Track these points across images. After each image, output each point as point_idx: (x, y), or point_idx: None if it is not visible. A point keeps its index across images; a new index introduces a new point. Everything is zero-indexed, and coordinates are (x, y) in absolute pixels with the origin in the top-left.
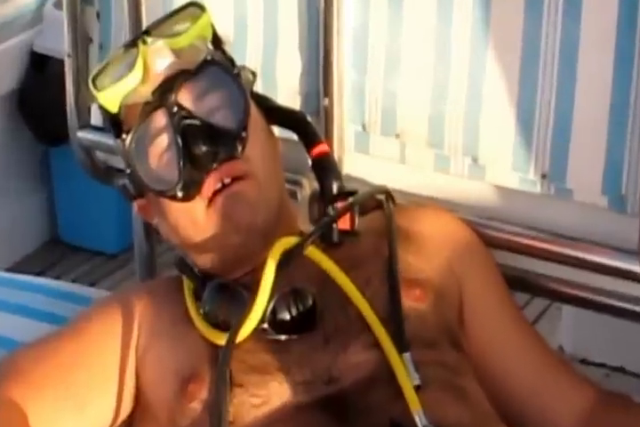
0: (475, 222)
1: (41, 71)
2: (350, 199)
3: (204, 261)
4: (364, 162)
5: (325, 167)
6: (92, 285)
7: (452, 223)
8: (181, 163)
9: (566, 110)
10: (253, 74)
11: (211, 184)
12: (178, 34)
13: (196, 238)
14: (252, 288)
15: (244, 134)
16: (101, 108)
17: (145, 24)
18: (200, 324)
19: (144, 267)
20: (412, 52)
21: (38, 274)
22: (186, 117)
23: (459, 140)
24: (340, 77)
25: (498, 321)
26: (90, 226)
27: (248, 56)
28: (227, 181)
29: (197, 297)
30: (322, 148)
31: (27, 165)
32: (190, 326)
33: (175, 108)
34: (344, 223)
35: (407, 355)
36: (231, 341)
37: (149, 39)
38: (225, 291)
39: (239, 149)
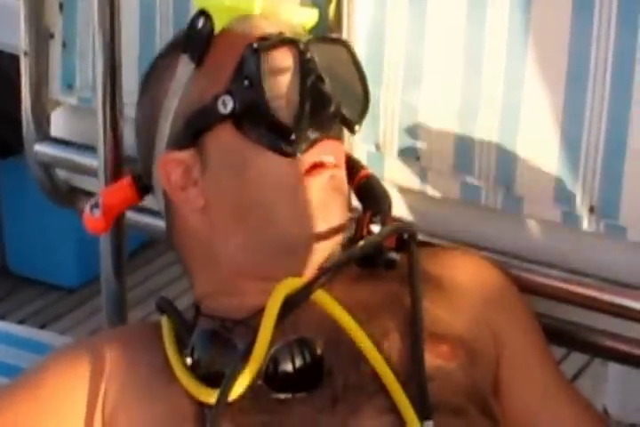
0: (509, 264)
1: None
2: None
3: (230, 256)
4: None
5: (374, 189)
6: (44, 325)
7: (486, 271)
8: (307, 108)
9: (619, 135)
10: None
11: (321, 149)
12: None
13: (270, 205)
14: (250, 336)
15: (357, 128)
16: (196, 18)
17: (117, 17)
18: (184, 377)
19: (112, 304)
20: (437, 59)
21: None
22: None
23: (491, 165)
24: None
25: (539, 386)
26: (44, 255)
27: None
28: (329, 159)
29: (180, 346)
30: (366, 171)
31: None
32: (171, 380)
33: (309, 55)
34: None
35: (429, 423)
36: (223, 399)
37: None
38: (217, 337)
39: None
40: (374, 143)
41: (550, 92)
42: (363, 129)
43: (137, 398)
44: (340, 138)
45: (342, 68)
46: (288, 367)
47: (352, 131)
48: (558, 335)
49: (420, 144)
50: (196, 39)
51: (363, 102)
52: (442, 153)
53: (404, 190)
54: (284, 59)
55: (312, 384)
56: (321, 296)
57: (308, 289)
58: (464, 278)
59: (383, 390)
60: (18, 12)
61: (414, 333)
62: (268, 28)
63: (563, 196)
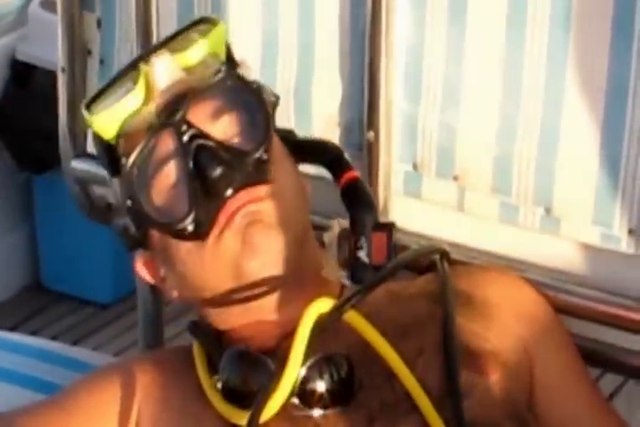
0: (547, 285)
1: (24, 84)
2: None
3: (224, 319)
4: (414, 208)
5: (357, 194)
6: (77, 341)
7: (523, 291)
8: (192, 190)
9: None
10: (275, 97)
11: (226, 214)
12: (185, 48)
13: (209, 286)
14: (281, 356)
15: (265, 156)
16: (96, 136)
17: (155, 34)
18: (216, 400)
19: (147, 320)
20: (475, 79)
21: (14, 326)
22: (197, 137)
23: (529, 186)
24: (388, 107)
25: (574, 405)
26: (78, 270)
27: (279, 80)
28: (238, 204)
29: (212, 369)
30: (352, 174)
31: (5, 196)
32: (204, 404)
33: (184, 127)
34: (380, 258)
35: None
36: (255, 422)
37: (153, 56)
38: (246, 359)
39: (260, 173)
40: (412, 163)
41: (589, 113)
42: (400, 148)
43: (170, 423)
44: (253, 179)
45: (234, 104)
46: (319, 384)
47: (263, 163)
48: (592, 356)
49: (458, 164)
50: (103, 153)
51: (264, 124)
52: (480, 173)
53: (441, 210)
54: (162, 146)
55: (344, 400)
56: (352, 316)
57: (339, 310)
58: (498, 296)
59: (418, 408)
60: (56, 28)
61: (448, 349)
62: (153, 113)
63: (601, 217)
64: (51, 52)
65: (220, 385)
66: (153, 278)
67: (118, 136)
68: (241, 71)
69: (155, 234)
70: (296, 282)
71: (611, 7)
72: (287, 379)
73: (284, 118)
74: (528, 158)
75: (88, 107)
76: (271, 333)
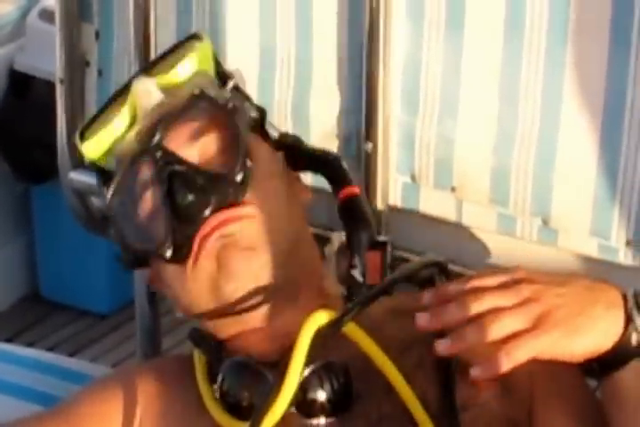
0: None
1: (22, 94)
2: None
3: (220, 329)
4: (412, 220)
5: (354, 212)
6: (75, 352)
7: None
8: (167, 216)
9: None
10: (260, 111)
11: (201, 237)
12: (168, 69)
13: (195, 306)
14: (280, 368)
15: (238, 178)
16: (91, 163)
17: (153, 46)
18: (215, 411)
19: (145, 330)
20: (473, 91)
21: (12, 336)
22: (171, 163)
23: (527, 197)
24: (386, 118)
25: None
26: (76, 281)
27: (277, 91)
28: (210, 227)
29: (212, 378)
30: (352, 189)
31: (3, 207)
32: (204, 414)
33: (159, 154)
34: (374, 278)
35: None
36: None
37: (139, 79)
38: (246, 370)
39: (234, 195)
40: (410, 174)
41: (587, 124)
42: (398, 160)
43: None
44: (226, 202)
45: (210, 126)
46: (318, 394)
47: (237, 186)
48: (590, 367)
49: (455, 175)
50: (97, 177)
51: (238, 147)
52: (478, 185)
53: (439, 222)
54: (142, 173)
55: (343, 408)
56: (351, 329)
57: (338, 322)
58: None
59: (415, 422)
60: (54, 39)
61: (445, 363)
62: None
63: (599, 228)
64: (49, 62)
65: (218, 394)
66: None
67: (108, 161)
68: (232, 84)
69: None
70: (288, 293)
71: (608, 20)
72: (286, 391)
73: (282, 129)
74: (525, 170)
75: (82, 132)
76: (270, 343)
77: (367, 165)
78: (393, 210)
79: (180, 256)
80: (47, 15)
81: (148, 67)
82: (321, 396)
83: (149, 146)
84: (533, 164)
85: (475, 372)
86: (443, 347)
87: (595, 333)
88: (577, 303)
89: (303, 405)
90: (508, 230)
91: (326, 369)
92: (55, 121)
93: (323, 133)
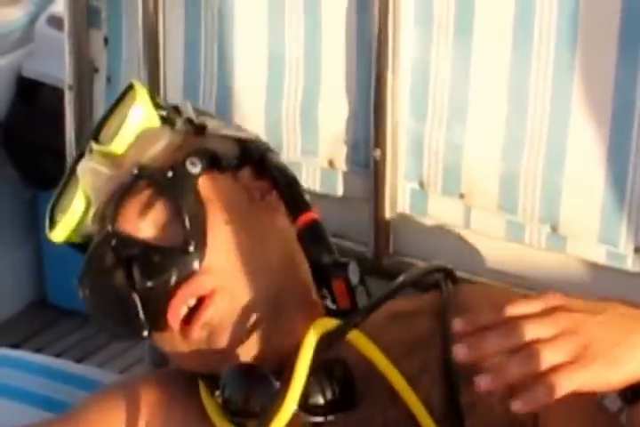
0: None
1: (30, 100)
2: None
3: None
4: (420, 226)
5: (315, 238)
6: (83, 358)
7: None
8: (134, 298)
9: None
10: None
11: (173, 314)
12: (111, 139)
13: (193, 367)
14: (283, 377)
15: (191, 249)
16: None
17: (162, 52)
18: (219, 421)
19: None
20: (482, 97)
21: (20, 342)
22: (126, 246)
23: (535, 204)
24: (394, 125)
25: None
26: None
27: (285, 98)
28: (191, 302)
29: (215, 386)
30: (311, 215)
31: (10, 213)
32: (207, 424)
33: (113, 241)
34: (344, 304)
35: None
36: None
37: (82, 161)
38: (247, 375)
39: (192, 265)
40: (418, 181)
41: (595, 131)
42: (406, 166)
43: None
44: (187, 273)
45: (156, 199)
46: (320, 396)
47: (192, 256)
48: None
49: (464, 182)
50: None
51: (187, 215)
52: (486, 191)
53: (447, 228)
54: (105, 260)
55: (347, 405)
56: (355, 336)
57: (342, 329)
58: None
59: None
60: (62, 45)
61: (449, 368)
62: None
63: (607, 235)
64: (57, 68)
65: (220, 401)
66: None
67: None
68: (183, 120)
69: None
70: (279, 311)
71: (617, 26)
72: (292, 396)
73: (291, 136)
74: (534, 176)
75: (51, 216)
76: (272, 354)
77: (375, 171)
78: (401, 217)
79: (158, 329)
80: (56, 21)
81: (95, 134)
82: (323, 398)
83: (104, 229)
84: (542, 170)
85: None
86: (485, 383)
87: (634, 362)
88: (615, 332)
89: (307, 408)
90: (517, 237)
91: (325, 368)
92: (63, 127)
93: (331, 140)
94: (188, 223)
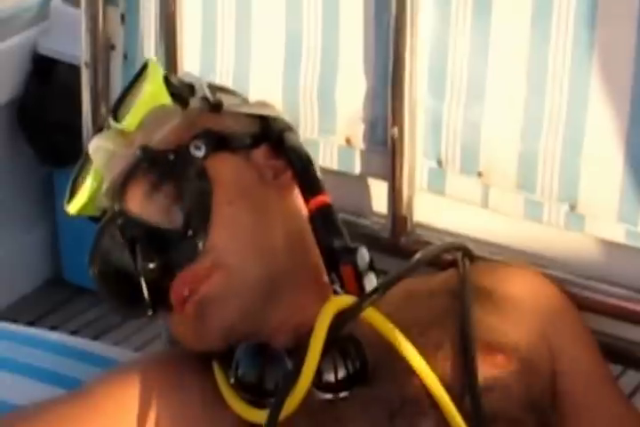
0: (570, 282)
1: (46, 77)
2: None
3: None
4: (438, 204)
5: (326, 222)
6: (98, 335)
7: (544, 287)
8: (137, 280)
9: None
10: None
11: (176, 295)
12: (123, 117)
13: (195, 347)
14: (296, 352)
15: (190, 233)
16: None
17: (179, 29)
18: (233, 401)
19: None
20: (500, 75)
21: (36, 320)
22: (131, 226)
23: (554, 182)
24: (412, 103)
25: (598, 402)
26: None
27: (302, 77)
28: (193, 286)
29: (229, 365)
30: (323, 199)
31: (26, 190)
32: (223, 404)
33: (119, 220)
34: (352, 289)
35: None
36: (273, 421)
37: (94, 139)
38: (260, 352)
39: (192, 247)
40: (436, 159)
41: (614, 110)
42: (425, 145)
43: (188, 422)
44: (189, 257)
45: (161, 180)
46: (333, 374)
47: (193, 240)
48: (614, 353)
49: (482, 160)
50: None
51: (189, 199)
52: (504, 169)
53: (465, 207)
54: (114, 237)
55: (358, 381)
56: (371, 314)
57: (357, 307)
58: (518, 292)
59: (438, 405)
60: (78, 22)
61: (466, 345)
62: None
63: (626, 214)
64: (73, 46)
65: (233, 380)
66: None
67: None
68: (198, 97)
69: None
70: (278, 294)
71: (637, 2)
72: (307, 373)
73: (309, 114)
74: (553, 155)
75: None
76: (283, 335)
77: (393, 150)
78: (419, 195)
79: (163, 309)
80: None
81: (113, 111)
82: (336, 375)
83: (112, 208)
84: (561, 149)
85: None
86: None
87: None
88: None
89: (320, 383)
90: (535, 216)
91: (340, 346)
92: (79, 105)
93: (349, 119)
94: (189, 206)
